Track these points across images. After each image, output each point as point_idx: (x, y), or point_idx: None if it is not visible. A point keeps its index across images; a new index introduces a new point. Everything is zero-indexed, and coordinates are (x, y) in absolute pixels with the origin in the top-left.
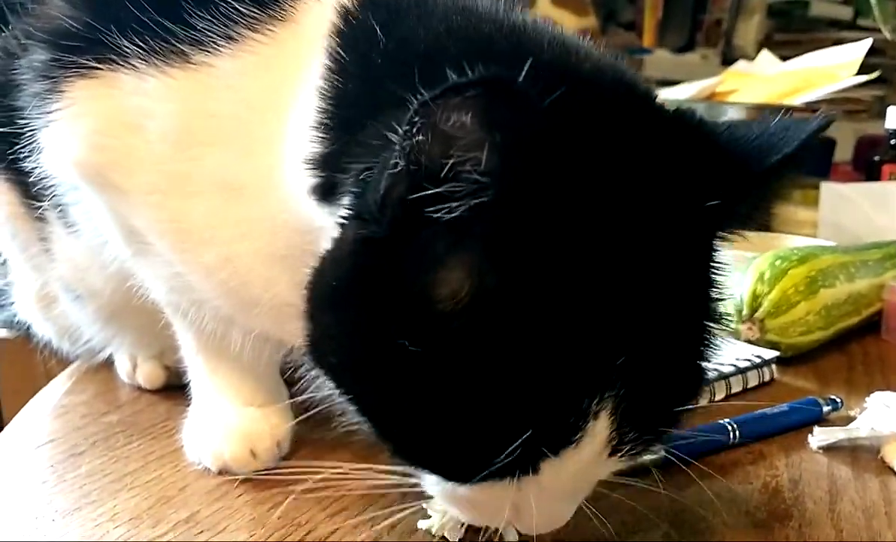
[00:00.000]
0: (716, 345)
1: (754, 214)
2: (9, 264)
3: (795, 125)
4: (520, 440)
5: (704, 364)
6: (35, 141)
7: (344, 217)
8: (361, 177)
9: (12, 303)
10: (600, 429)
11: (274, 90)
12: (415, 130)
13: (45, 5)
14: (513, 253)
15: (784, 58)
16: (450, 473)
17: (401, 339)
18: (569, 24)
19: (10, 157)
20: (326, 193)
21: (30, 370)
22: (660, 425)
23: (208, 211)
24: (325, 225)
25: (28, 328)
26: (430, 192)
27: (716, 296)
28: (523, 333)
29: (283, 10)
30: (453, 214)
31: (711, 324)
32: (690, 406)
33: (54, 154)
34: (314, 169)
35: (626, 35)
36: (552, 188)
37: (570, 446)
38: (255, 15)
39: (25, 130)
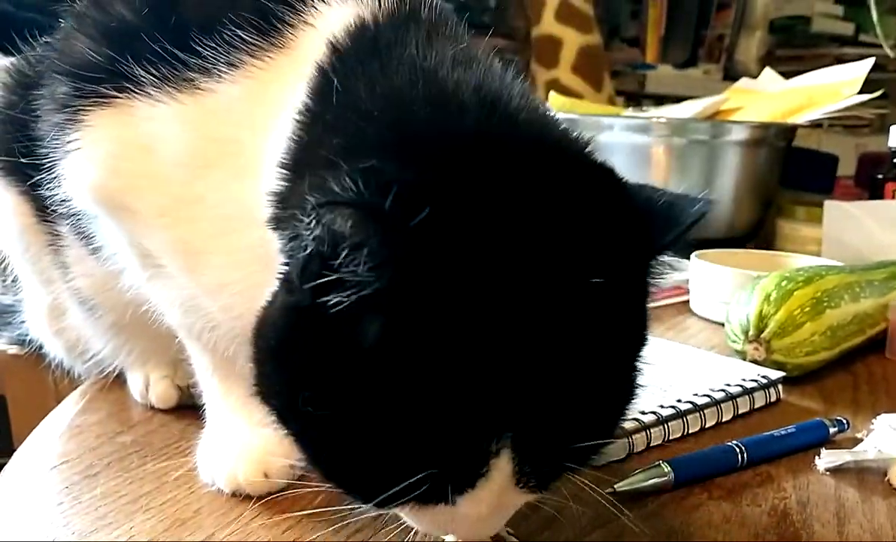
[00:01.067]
0: (628, 381)
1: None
2: (20, 280)
3: (684, 202)
4: (422, 475)
5: (617, 402)
6: (55, 169)
7: (278, 277)
8: (288, 247)
9: (22, 320)
10: (503, 465)
11: (266, 117)
12: (314, 220)
13: (71, 42)
14: (404, 325)
15: (786, 74)
16: (370, 500)
17: (325, 388)
18: (573, 40)
19: (22, 171)
20: (276, 225)
21: (39, 388)
22: (563, 461)
23: (207, 236)
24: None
25: (39, 346)
26: (327, 279)
27: (618, 343)
28: (421, 391)
29: (283, 37)
30: (344, 304)
31: (618, 370)
32: (598, 443)
33: (74, 181)
34: (272, 203)
35: (629, 51)
36: (432, 275)
37: (478, 480)
38: (256, 42)
39: (46, 159)
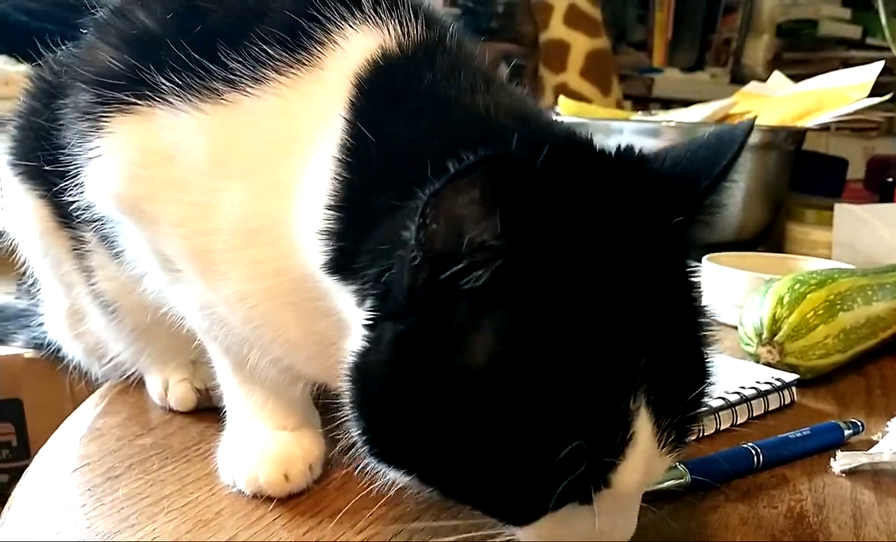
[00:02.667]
0: (713, 334)
1: (708, 223)
2: (39, 283)
3: (727, 134)
4: (571, 451)
5: (708, 352)
6: (78, 176)
7: (372, 320)
8: (382, 280)
9: (39, 324)
10: (644, 422)
11: (292, 136)
12: (427, 220)
13: (93, 51)
14: (532, 302)
15: (793, 77)
16: (521, 513)
17: (452, 407)
18: (581, 44)
19: (43, 177)
20: (336, 269)
21: (55, 391)
22: (687, 410)
23: (227, 247)
24: (330, 287)
25: (55, 350)
26: (455, 269)
27: (699, 294)
28: (556, 364)
29: (311, 54)
30: (481, 281)
31: (704, 318)
32: (707, 386)
33: (95, 187)
34: (326, 243)
35: (636, 55)
36: (554, 237)
37: (628, 444)
38: (282, 58)
39: (69, 166)
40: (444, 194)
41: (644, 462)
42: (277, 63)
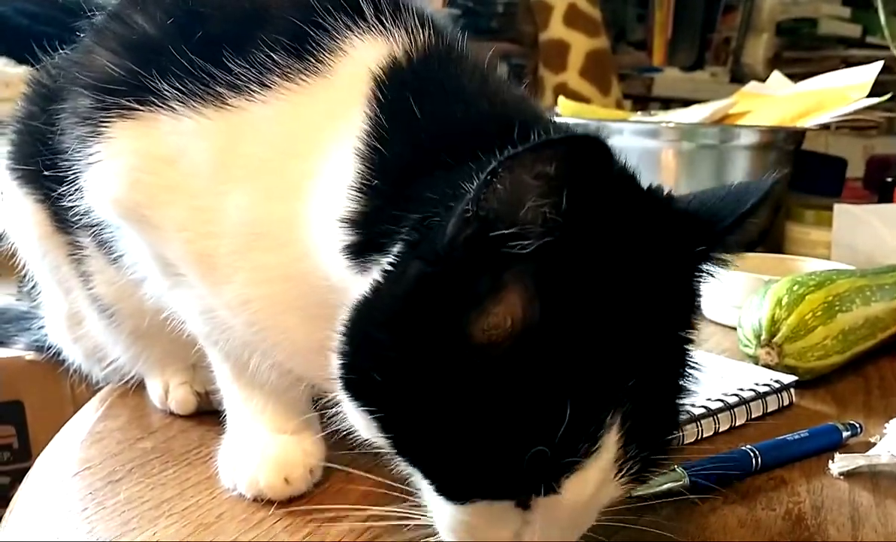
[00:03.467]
0: (691, 383)
1: (726, 259)
2: (38, 287)
3: (753, 185)
4: (535, 449)
5: (682, 399)
6: (77, 181)
7: (397, 260)
8: (424, 224)
9: (40, 326)
10: (612, 441)
11: (302, 139)
12: (496, 179)
13: (91, 55)
14: (561, 288)
15: (793, 76)
16: (463, 490)
17: (446, 362)
18: (581, 44)
19: (41, 181)
20: (361, 251)
21: (56, 393)
22: (653, 451)
23: (230, 251)
24: (346, 281)
25: (56, 352)
26: (504, 232)
27: (691, 338)
28: (557, 356)
29: (320, 61)
30: (525, 250)
31: (690, 368)
32: (673, 436)
33: (96, 193)
34: (350, 228)
35: (636, 54)
36: (602, 234)
37: (591, 455)
38: (290, 64)
39: (68, 172)
40: (523, 160)
41: (598, 479)
42: (284, 69)
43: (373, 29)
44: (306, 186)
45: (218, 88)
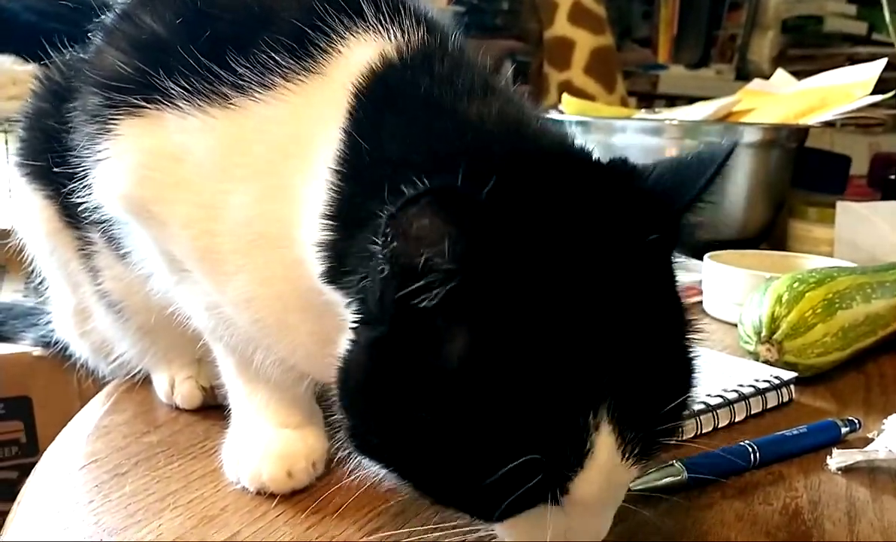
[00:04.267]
0: (693, 342)
1: (684, 240)
2: (46, 282)
3: (710, 153)
4: (526, 461)
5: (689, 360)
6: (86, 178)
7: (355, 323)
8: (360, 286)
9: (48, 322)
10: (605, 437)
11: (298, 142)
12: (389, 238)
13: (101, 54)
14: (491, 321)
15: (798, 73)
16: (485, 512)
17: (420, 408)
18: (586, 41)
19: (50, 177)
20: (332, 279)
21: (63, 388)
22: (658, 424)
23: (234, 249)
24: (333, 298)
25: (63, 347)
26: (413, 287)
27: (677, 305)
28: (514, 381)
29: (316, 62)
30: (433, 302)
31: (682, 327)
32: (683, 399)
33: (104, 189)
34: (323, 254)
35: (641, 51)
36: (509, 259)
37: (585, 458)
38: (289, 65)
39: (78, 169)
40: (400, 218)
41: (603, 474)
42: (285, 69)
43: (370, 29)
44: (301, 188)
45: (223, 88)
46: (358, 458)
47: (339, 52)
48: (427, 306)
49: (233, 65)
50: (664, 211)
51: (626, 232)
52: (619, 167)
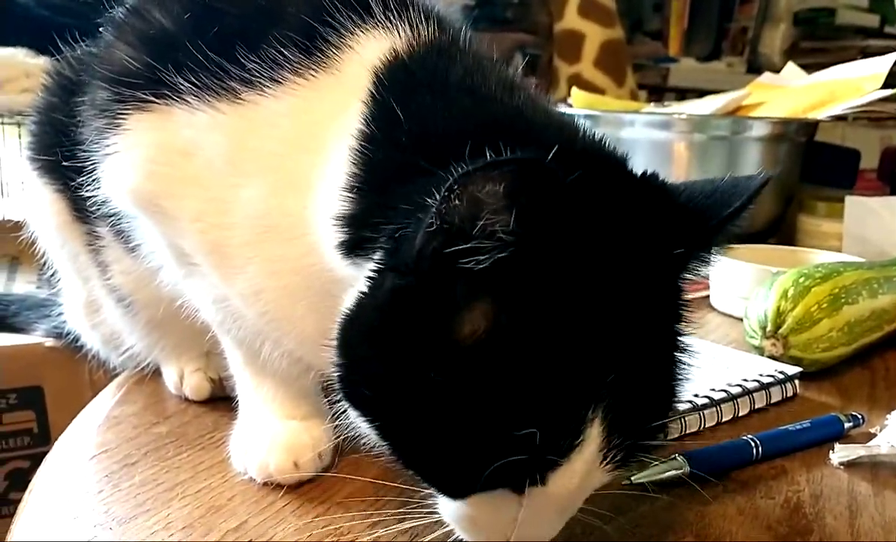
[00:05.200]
0: (685, 370)
1: (710, 258)
2: (57, 274)
3: (743, 182)
4: (522, 435)
5: (676, 386)
6: (95, 172)
7: (377, 270)
8: (397, 235)
9: (60, 313)
10: (596, 434)
11: (310, 134)
12: (453, 195)
13: (111, 49)
14: (523, 298)
15: (810, 66)
16: (454, 486)
17: (426, 370)
18: (596, 35)
19: (60, 171)
20: (352, 249)
21: (75, 379)
22: (640, 438)
23: (243, 241)
24: (347, 276)
25: (75, 338)
26: (462, 247)
27: (683, 328)
28: (529, 360)
29: (328, 57)
30: (480, 266)
31: (680, 352)
32: (664, 421)
33: (112, 183)
34: (342, 226)
35: (652, 44)
36: (558, 247)
37: (574, 449)
38: (299, 60)
39: (86, 163)
40: (474, 178)
41: (584, 471)
42: (295, 65)
43: (379, 25)
44: (313, 180)
45: (232, 83)
46: (344, 409)
47: (351, 47)
48: (470, 268)
49: (242, 60)
50: (699, 228)
51: (659, 245)
52: (653, 180)
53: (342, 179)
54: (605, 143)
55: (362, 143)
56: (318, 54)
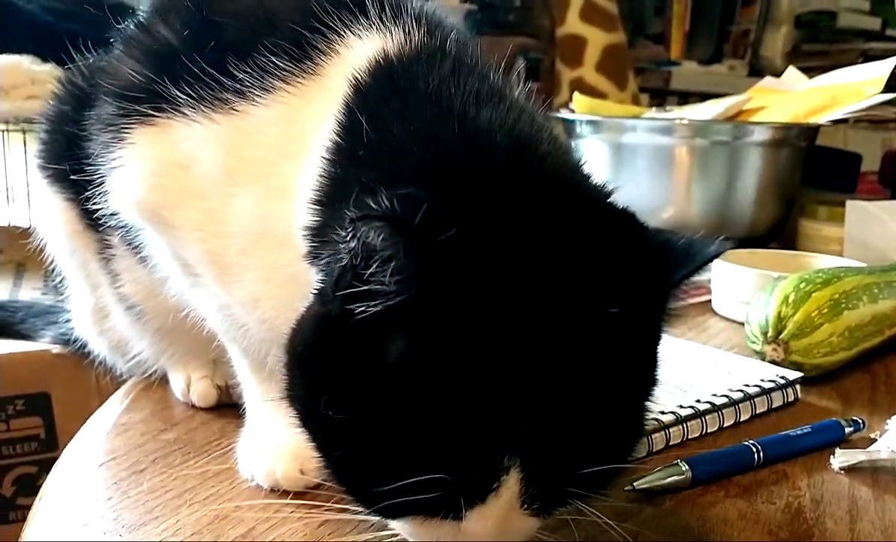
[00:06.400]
0: (638, 417)
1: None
2: (65, 281)
3: (700, 246)
4: (436, 478)
5: (632, 432)
6: (103, 185)
7: (315, 289)
8: (326, 261)
9: (67, 320)
10: (511, 483)
11: (296, 142)
12: (349, 237)
13: (117, 64)
14: (423, 343)
15: (812, 69)
16: (380, 508)
17: (347, 395)
18: (598, 39)
19: (71, 181)
20: (314, 260)
21: (82, 386)
22: (567, 489)
23: (239, 250)
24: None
25: (82, 345)
26: (358, 289)
27: (629, 376)
28: (435, 405)
29: (315, 63)
30: (372, 310)
31: (632, 400)
32: (600, 475)
33: (118, 196)
34: (306, 237)
35: (654, 48)
36: (446, 299)
37: (489, 493)
38: (288, 68)
39: (95, 176)
40: (361, 223)
41: (500, 516)
42: (284, 73)
43: (372, 27)
44: (298, 187)
45: (226, 94)
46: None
47: (337, 52)
48: (366, 311)
49: (234, 71)
50: (656, 282)
51: (599, 291)
52: (624, 216)
53: (311, 189)
54: (569, 168)
55: (331, 154)
56: (307, 61)
